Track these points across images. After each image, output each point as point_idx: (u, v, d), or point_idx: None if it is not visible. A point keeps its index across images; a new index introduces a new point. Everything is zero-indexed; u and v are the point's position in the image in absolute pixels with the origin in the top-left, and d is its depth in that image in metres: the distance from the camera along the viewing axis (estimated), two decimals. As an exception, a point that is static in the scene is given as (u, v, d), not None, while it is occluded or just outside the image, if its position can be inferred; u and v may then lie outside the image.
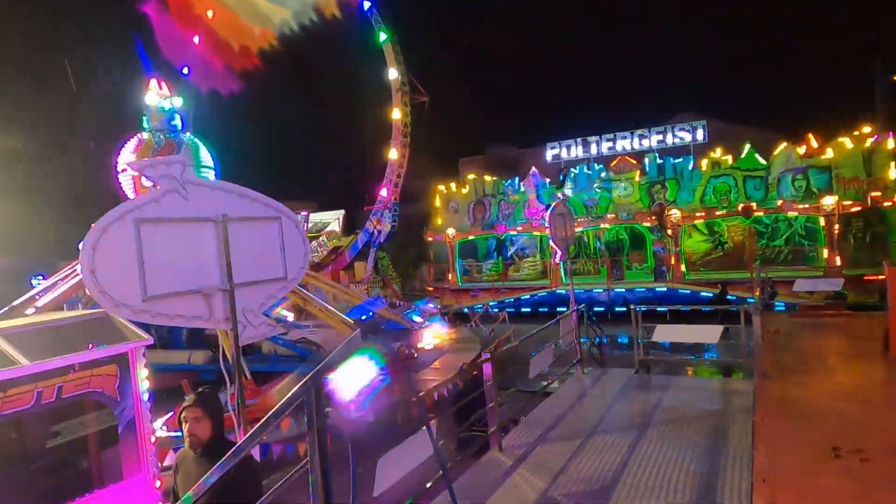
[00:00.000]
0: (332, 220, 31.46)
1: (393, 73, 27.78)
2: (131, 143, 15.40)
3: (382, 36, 28.06)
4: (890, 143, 19.05)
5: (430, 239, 26.47)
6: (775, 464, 4.54)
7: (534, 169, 25.94)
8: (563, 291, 20.68)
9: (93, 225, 3.17)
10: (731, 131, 23.38)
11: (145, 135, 15.49)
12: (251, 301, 3.86)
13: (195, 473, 2.90)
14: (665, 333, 9.15)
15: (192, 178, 3.56)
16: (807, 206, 19.37)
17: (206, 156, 15.90)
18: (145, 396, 5.14)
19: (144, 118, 15.58)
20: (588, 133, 42.44)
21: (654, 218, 21.01)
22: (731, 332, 9.58)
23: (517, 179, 26.57)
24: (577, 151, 25.55)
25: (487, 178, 26.74)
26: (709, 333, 8.74)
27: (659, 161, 23.10)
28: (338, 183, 41.39)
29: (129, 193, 15.12)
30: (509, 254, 25.88)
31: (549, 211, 9.57)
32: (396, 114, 27.63)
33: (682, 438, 6.31)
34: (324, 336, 14.09)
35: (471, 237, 25.56)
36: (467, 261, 25.96)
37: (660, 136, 24.19)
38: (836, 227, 18.52)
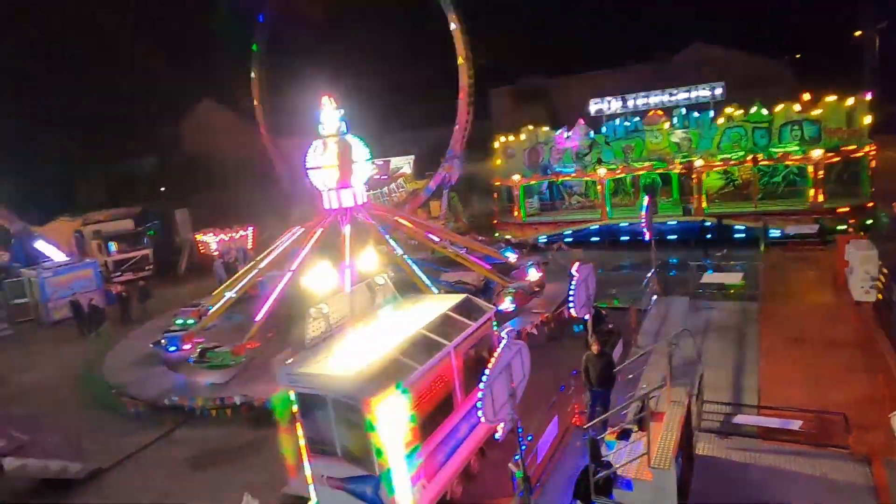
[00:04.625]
0: (405, 164, 37.39)
1: (460, 54, 32.39)
2: (314, 146, 21.23)
3: (452, 25, 32.14)
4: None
5: (497, 183, 32.61)
6: (769, 347, 11.61)
7: (580, 121, 31.56)
8: (623, 224, 28.07)
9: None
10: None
11: (321, 139, 21.29)
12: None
13: (596, 363, 9.70)
14: (709, 278, 15.97)
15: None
16: (799, 157, 25.52)
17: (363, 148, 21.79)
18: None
19: (320, 125, 21.31)
20: (609, 65, 46.97)
21: (683, 168, 27.23)
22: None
23: (566, 129, 32.21)
24: (616, 106, 31.01)
25: (544, 129, 32.29)
26: (733, 277, 15.56)
27: (684, 114, 28.82)
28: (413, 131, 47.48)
29: (317, 184, 21.23)
30: (563, 194, 32.25)
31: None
32: (463, 85, 32.66)
33: (724, 337, 13.34)
34: (473, 276, 20.83)
35: (532, 182, 31.74)
36: (529, 199, 32.30)
37: (686, 94, 29.66)
38: (821, 172, 24.84)
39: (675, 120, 29.00)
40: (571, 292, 10.71)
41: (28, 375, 20.75)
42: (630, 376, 11.29)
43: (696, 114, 28.68)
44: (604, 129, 30.63)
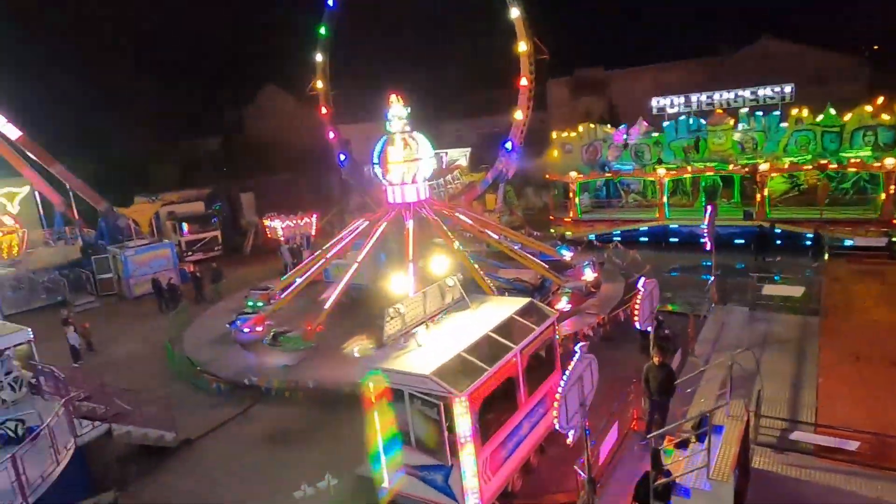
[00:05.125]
0: (461, 156, 38.01)
1: (523, 47, 32.56)
2: (381, 142, 22.08)
3: (515, 12, 32.34)
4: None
5: (553, 179, 32.87)
6: (829, 363, 11.81)
7: (641, 119, 31.39)
8: (673, 226, 27.93)
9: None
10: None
11: (389, 135, 22.12)
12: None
13: (657, 373, 10.22)
14: (770, 289, 16.06)
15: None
16: (871, 164, 24.78)
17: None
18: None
19: (388, 122, 22.15)
20: (670, 58, 45.93)
21: (746, 171, 26.82)
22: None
23: (625, 127, 32.07)
24: (679, 103, 30.65)
25: (604, 127, 32.27)
26: (795, 291, 15.61)
27: (749, 114, 28.28)
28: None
29: (382, 179, 22.14)
30: (620, 191, 32.23)
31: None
32: (524, 81, 32.82)
33: (783, 350, 13.54)
34: (531, 274, 21.43)
35: (589, 179, 31.84)
36: (584, 196, 32.43)
37: (752, 94, 29.03)
38: (893, 186, 24.08)
39: (740, 120, 28.55)
40: (637, 306, 11.21)
41: (117, 347, 22.69)
42: (689, 389, 11.73)
43: (761, 114, 28.15)
44: (665, 128, 30.39)
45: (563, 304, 19.64)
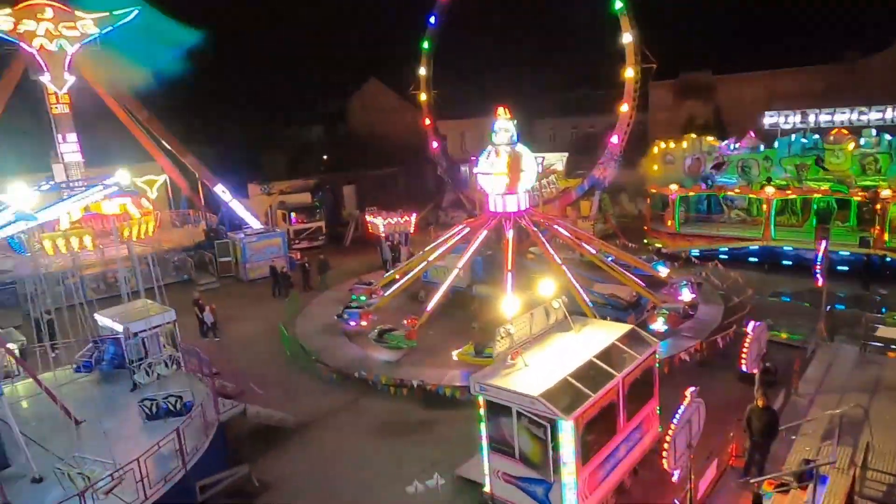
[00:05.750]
0: (557, 161, 38.24)
1: (627, 38, 32.29)
2: (486, 152, 22.91)
3: (618, 4, 32.22)
4: None
5: (652, 190, 32.45)
6: None
7: (751, 133, 30.33)
8: (785, 247, 27.20)
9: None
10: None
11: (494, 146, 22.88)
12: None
13: (761, 416, 10.49)
14: (885, 331, 15.54)
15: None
16: None
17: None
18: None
19: (493, 134, 22.96)
20: (786, 64, 43.53)
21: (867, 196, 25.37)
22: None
23: (733, 141, 31.09)
24: (794, 120, 29.32)
25: (708, 138, 31.45)
26: (914, 336, 15.04)
27: (875, 136, 26.65)
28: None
29: (485, 188, 23.02)
30: (723, 206, 31.33)
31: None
32: (629, 73, 32.47)
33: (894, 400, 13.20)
34: (628, 291, 21.66)
35: (691, 193, 31.19)
36: (684, 210, 31.76)
37: (879, 115, 27.31)
38: None
39: (862, 140, 26.99)
40: (745, 350, 11.46)
41: (237, 327, 25.15)
42: (793, 437, 11.83)
43: (888, 137, 26.47)
44: (776, 144, 29.21)
45: (660, 324, 19.78)
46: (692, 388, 9.07)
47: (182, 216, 39.15)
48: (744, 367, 11.78)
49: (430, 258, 23.87)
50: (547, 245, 22.25)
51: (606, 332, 13.62)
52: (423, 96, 41.27)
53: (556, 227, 23.87)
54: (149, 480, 11.53)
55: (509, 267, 21.07)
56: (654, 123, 51.18)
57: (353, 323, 22.39)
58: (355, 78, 60.21)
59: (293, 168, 50.44)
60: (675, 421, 8.37)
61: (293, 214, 37.60)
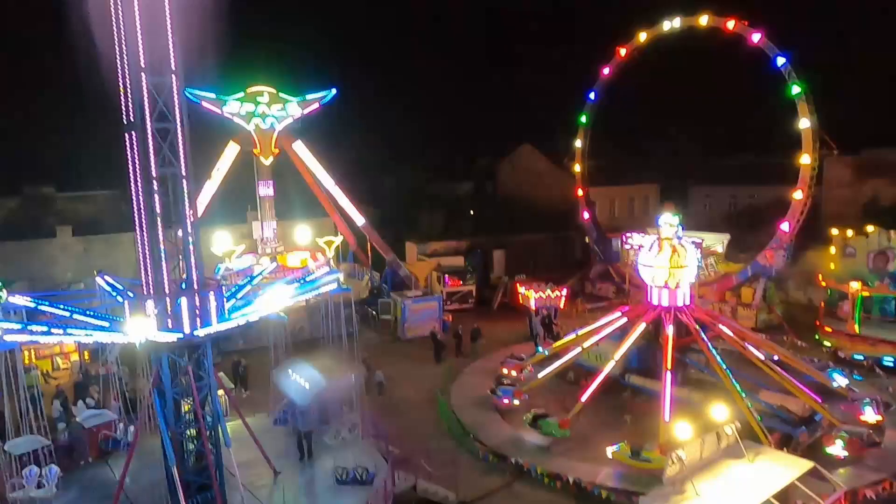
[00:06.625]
0: (717, 242, 36.85)
1: (804, 123, 31.02)
2: (650, 244, 23.13)
3: (795, 89, 31.17)
4: None
5: (828, 288, 30.16)
6: None
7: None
8: None
9: None
10: None
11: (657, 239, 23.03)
12: None
13: None
14: None
15: None
16: None
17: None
18: None
19: (659, 228, 23.16)
20: None
21: None
22: None
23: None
24: None
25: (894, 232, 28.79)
26: None
27: None
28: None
29: (646, 279, 23.16)
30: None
31: None
32: (806, 159, 31.09)
33: None
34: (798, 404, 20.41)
35: (876, 294, 28.52)
36: (867, 311, 28.99)
37: None
38: None
39: None
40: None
41: (398, 388, 27.19)
42: None
43: None
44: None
45: (838, 449, 18.38)
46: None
47: (349, 269, 43.18)
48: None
49: (585, 344, 24.30)
50: (710, 346, 21.74)
51: (784, 467, 13.26)
52: (577, 167, 42.43)
53: (720, 325, 23.24)
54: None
55: (668, 366, 20.90)
56: (829, 200, 47.40)
57: (506, 400, 23.41)
58: (509, 139, 62.70)
59: (446, 227, 53.38)
60: None
61: (447, 276, 39.94)
